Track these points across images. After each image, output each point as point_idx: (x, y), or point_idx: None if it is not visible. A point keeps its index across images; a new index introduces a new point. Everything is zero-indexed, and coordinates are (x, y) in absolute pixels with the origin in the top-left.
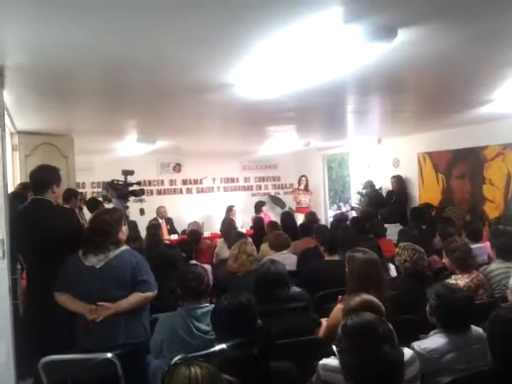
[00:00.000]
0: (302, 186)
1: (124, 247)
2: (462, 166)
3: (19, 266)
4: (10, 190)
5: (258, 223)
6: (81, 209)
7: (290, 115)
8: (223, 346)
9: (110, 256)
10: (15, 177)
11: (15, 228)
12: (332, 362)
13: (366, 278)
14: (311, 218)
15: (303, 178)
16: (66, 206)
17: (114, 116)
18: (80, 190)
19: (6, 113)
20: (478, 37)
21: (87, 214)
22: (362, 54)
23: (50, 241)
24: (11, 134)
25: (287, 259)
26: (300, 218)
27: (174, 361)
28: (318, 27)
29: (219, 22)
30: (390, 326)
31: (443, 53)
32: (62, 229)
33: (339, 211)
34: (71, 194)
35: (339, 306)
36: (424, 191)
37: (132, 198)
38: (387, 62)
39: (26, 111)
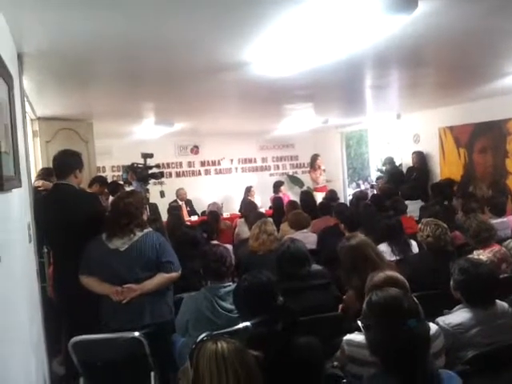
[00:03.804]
0: (322, 166)
1: (147, 229)
2: (484, 140)
3: (46, 250)
4: (32, 175)
5: (277, 203)
6: (106, 196)
7: (307, 92)
8: (247, 323)
9: (134, 238)
10: (37, 163)
11: (40, 213)
12: (356, 337)
13: (358, 264)
14: (331, 196)
15: (319, 158)
16: (90, 190)
17: (132, 99)
18: (100, 174)
19: (25, 99)
20: (502, 6)
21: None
22: (381, 27)
23: (74, 225)
24: (31, 120)
25: (307, 238)
26: (319, 198)
27: (200, 338)
28: None
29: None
30: (416, 300)
31: (465, 23)
32: (85, 213)
33: (358, 189)
34: (95, 180)
35: (351, 293)
36: (445, 166)
37: (152, 181)
38: (407, 34)
39: (46, 97)
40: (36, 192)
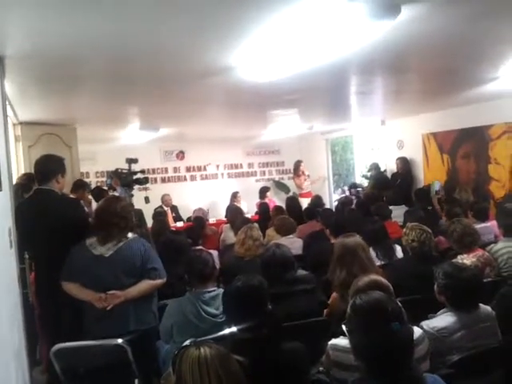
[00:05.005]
0: (307, 172)
1: (132, 235)
2: (467, 146)
3: (27, 256)
4: (14, 181)
5: (263, 208)
6: (89, 202)
7: (292, 98)
8: (233, 329)
9: (118, 244)
10: (19, 168)
11: (21, 219)
12: (341, 341)
13: (344, 256)
14: (316, 201)
15: (303, 164)
16: (73, 196)
17: (117, 104)
18: (81, 178)
19: (7, 103)
20: (484, 12)
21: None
22: (365, 32)
23: (56, 231)
24: (13, 124)
25: (293, 243)
26: (304, 203)
27: (184, 344)
28: (320, 5)
29: (218, 4)
30: (399, 304)
31: (448, 29)
32: (67, 219)
33: (343, 195)
34: (80, 186)
35: (335, 295)
36: (429, 172)
37: (136, 187)
38: (390, 40)
39: (29, 101)
40: (17, 197)
